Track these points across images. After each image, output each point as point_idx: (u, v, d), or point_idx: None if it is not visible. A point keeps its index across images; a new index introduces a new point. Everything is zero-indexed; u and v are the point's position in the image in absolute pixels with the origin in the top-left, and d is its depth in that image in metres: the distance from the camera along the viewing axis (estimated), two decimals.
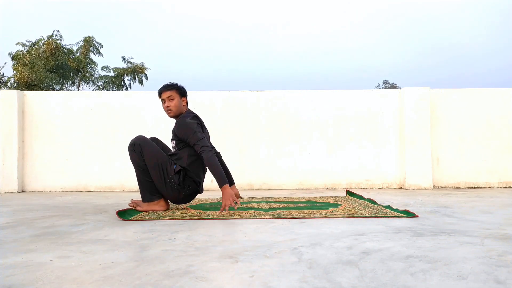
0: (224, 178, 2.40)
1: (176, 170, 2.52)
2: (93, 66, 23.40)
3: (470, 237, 1.72)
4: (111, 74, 24.38)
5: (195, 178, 2.59)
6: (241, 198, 2.54)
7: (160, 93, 2.66)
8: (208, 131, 2.76)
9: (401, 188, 4.48)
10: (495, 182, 4.53)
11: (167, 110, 2.65)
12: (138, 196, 3.85)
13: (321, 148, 4.58)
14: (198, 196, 3.75)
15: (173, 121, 4.57)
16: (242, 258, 1.41)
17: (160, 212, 2.54)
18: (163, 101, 2.66)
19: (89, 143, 4.57)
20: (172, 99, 2.63)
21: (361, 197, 3.23)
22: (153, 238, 1.77)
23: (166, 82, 2.70)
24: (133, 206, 2.59)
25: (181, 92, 2.68)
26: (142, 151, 2.49)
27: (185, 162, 2.56)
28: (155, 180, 2.53)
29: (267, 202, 3.09)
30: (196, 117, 2.64)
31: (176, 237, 1.80)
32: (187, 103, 2.72)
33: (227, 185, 2.40)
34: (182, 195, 2.58)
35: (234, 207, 2.45)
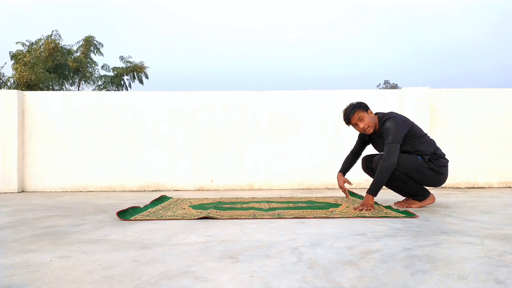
0: (374, 188, 2.52)
1: (427, 160, 2.66)
2: (93, 65, 23.41)
3: (470, 237, 1.72)
4: (111, 73, 24.39)
5: (444, 156, 2.76)
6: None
7: (348, 120, 2.69)
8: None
9: None
10: (495, 182, 4.53)
11: (364, 131, 2.70)
12: (138, 196, 3.85)
13: (321, 148, 4.58)
14: (199, 196, 3.75)
15: (172, 121, 4.57)
16: (242, 258, 1.41)
17: (161, 212, 2.55)
18: (356, 125, 2.70)
19: (89, 143, 4.57)
20: (362, 119, 2.67)
21: (362, 197, 3.22)
22: (153, 238, 1.77)
23: (344, 108, 2.75)
24: (406, 206, 2.72)
25: (365, 107, 2.70)
26: (398, 168, 2.59)
27: (428, 150, 2.68)
28: (418, 180, 2.68)
29: (267, 202, 3.09)
30: (391, 119, 2.64)
31: (176, 237, 1.80)
32: (374, 121, 2.72)
33: (369, 195, 2.52)
34: (445, 176, 2.76)
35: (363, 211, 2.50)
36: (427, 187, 2.79)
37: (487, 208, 2.70)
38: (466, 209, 2.65)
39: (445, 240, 1.68)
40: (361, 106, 2.69)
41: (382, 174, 2.51)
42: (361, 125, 2.67)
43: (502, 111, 4.57)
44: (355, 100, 4.57)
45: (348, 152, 3.07)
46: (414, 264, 1.30)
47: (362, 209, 2.45)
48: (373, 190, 2.51)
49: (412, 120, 2.78)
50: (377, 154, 2.79)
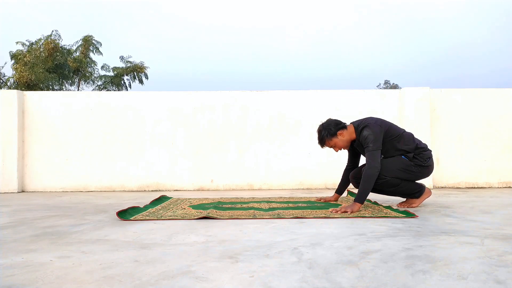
0: (361, 197, 2.49)
1: (412, 157, 2.66)
2: (92, 65, 23.42)
3: (470, 237, 1.72)
4: (111, 73, 24.40)
5: (426, 148, 2.74)
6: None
7: (322, 147, 2.79)
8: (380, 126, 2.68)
9: None
10: (495, 182, 4.52)
11: (341, 150, 2.79)
12: (138, 196, 3.86)
13: (322, 148, 4.57)
14: (199, 196, 3.76)
15: (174, 120, 4.57)
16: (242, 258, 1.41)
17: (161, 212, 2.55)
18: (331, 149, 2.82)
19: (89, 143, 4.57)
20: (335, 145, 2.73)
21: None
22: (153, 238, 1.77)
23: (317, 130, 2.77)
24: (407, 206, 2.74)
25: (333, 133, 2.69)
26: (383, 173, 2.59)
27: (409, 147, 2.67)
28: (409, 179, 2.70)
29: (267, 202, 3.09)
30: (377, 129, 2.62)
31: (176, 237, 1.80)
32: (346, 128, 2.72)
33: (357, 203, 2.48)
34: (431, 167, 2.75)
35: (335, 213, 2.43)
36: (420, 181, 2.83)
37: (487, 208, 2.70)
38: (466, 209, 2.65)
39: (445, 240, 1.68)
40: (329, 134, 2.69)
41: (368, 182, 2.51)
42: (336, 150, 2.76)
43: (502, 111, 4.57)
44: (354, 99, 4.58)
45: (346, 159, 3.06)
46: (414, 264, 1.30)
47: (345, 211, 2.41)
48: (361, 199, 2.49)
49: (388, 121, 2.79)
50: (363, 166, 2.79)
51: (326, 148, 2.88)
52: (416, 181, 2.79)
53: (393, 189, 2.70)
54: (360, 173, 2.82)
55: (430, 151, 2.77)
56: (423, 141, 4.38)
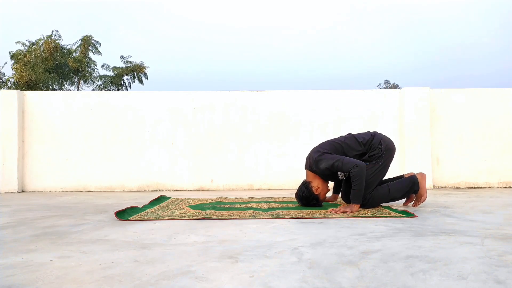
0: (357, 197, 2.49)
1: (368, 158, 2.66)
2: (92, 65, 23.42)
3: (470, 237, 1.72)
4: (111, 73, 24.41)
5: (371, 137, 2.74)
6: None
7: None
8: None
9: None
10: (495, 182, 4.52)
11: (327, 193, 2.81)
12: (138, 196, 3.86)
13: None
14: (198, 196, 3.76)
15: (173, 120, 4.57)
16: (242, 258, 1.41)
17: (160, 212, 2.55)
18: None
19: (89, 143, 4.57)
20: (324, 195, 2.76)
21: None
22: (153, 238, 1.77)
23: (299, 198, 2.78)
24: (419, 202, 2.74)
25: (315, 196, 2.72)
26: (368, 190, 2.58)
27: (359, 150, 2.68)
28: (385, 174, 2.71)
29: (266, 202, 3.09)
30: (322, 155, 2.63)
31: (176, 237, 1.80)
32: (312, 181, 2.73)
33: (355, 204, 2.49)
34: (389, 145, 2.73)
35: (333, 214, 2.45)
36: (412, 174, 2.82)
37: (487, 208, 2.70)
38: (466, 209, 2.65)
39: (445, 240, 1.68)
40: (315, 200, 2.73)
41: (358, 182, 2.49)
42: (323, 197, 2.76)
43: (502, 111, 4.57)
44: (354, 99, 4.57)
45: None
46: (414, 264, 1.30)
47: (344, 211, 2.44)
48: (357, 199, 2.50)
49: (323, 141, 2.82)
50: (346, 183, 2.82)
51: (314, 145, 2.91)
52: (404, 177, 2.79)
53: (388, 196, 2.69)
54: (347, 191, 2.81)
55: (374, 133, 2.76)
56: (422, 140, 4.38)
